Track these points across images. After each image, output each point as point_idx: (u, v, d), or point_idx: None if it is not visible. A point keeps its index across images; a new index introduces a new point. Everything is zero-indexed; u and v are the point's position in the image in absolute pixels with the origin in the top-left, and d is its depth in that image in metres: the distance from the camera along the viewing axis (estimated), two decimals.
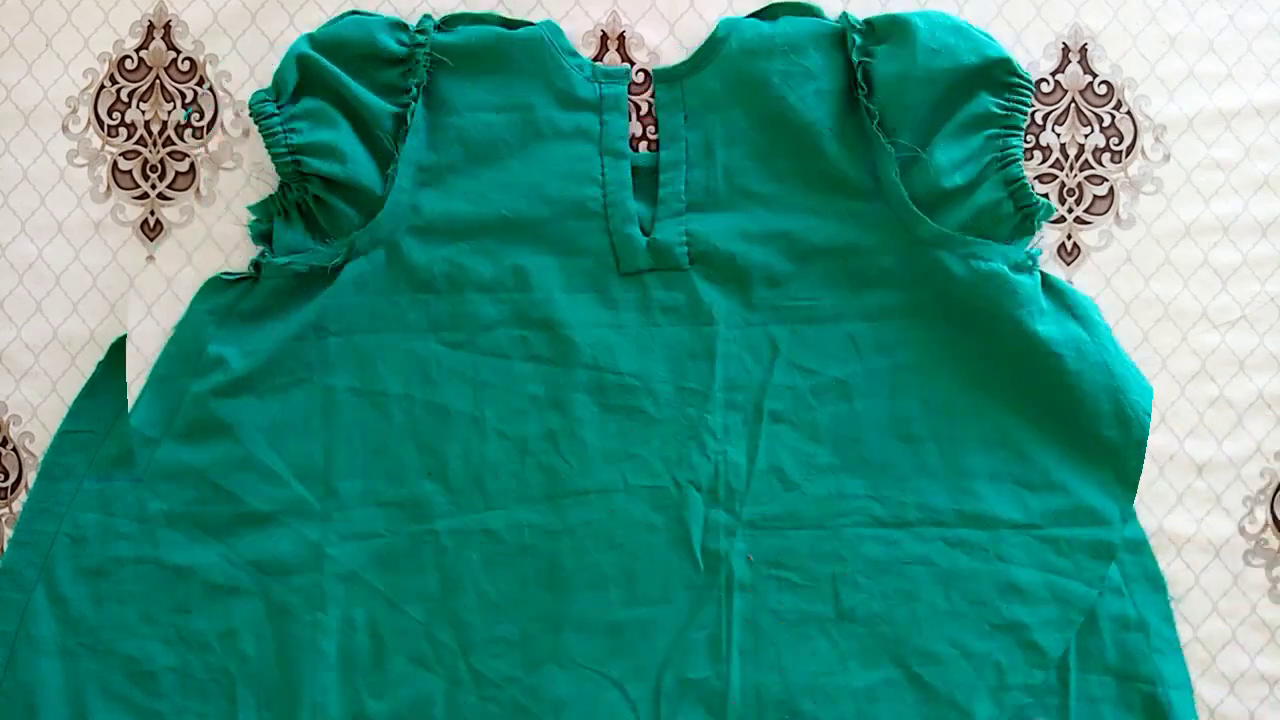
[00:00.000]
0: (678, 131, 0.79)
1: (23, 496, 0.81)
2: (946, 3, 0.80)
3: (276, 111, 0.77)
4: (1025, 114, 0.76)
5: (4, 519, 0.81)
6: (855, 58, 0.77)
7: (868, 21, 0.77)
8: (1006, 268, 0.76)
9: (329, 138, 0.77)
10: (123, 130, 0.82)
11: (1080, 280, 0.79)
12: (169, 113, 0.82)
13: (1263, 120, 0.80)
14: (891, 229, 0.78)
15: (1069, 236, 0.79)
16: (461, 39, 0.78)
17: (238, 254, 0.81)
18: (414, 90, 0.77)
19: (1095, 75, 0.80)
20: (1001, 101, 0.76)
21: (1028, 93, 0.76)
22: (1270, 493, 0.79)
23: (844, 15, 0.77)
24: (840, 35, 0.77)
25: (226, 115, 0.82)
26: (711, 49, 0.79)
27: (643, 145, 0.80)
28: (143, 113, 0.82)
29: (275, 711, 0.77)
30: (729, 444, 0.78)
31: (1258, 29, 0.80)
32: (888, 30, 0.77)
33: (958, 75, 0.76)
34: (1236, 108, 0.80)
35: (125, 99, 0.82)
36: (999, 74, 0.76)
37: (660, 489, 0.77)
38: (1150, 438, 0.77)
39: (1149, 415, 0.76)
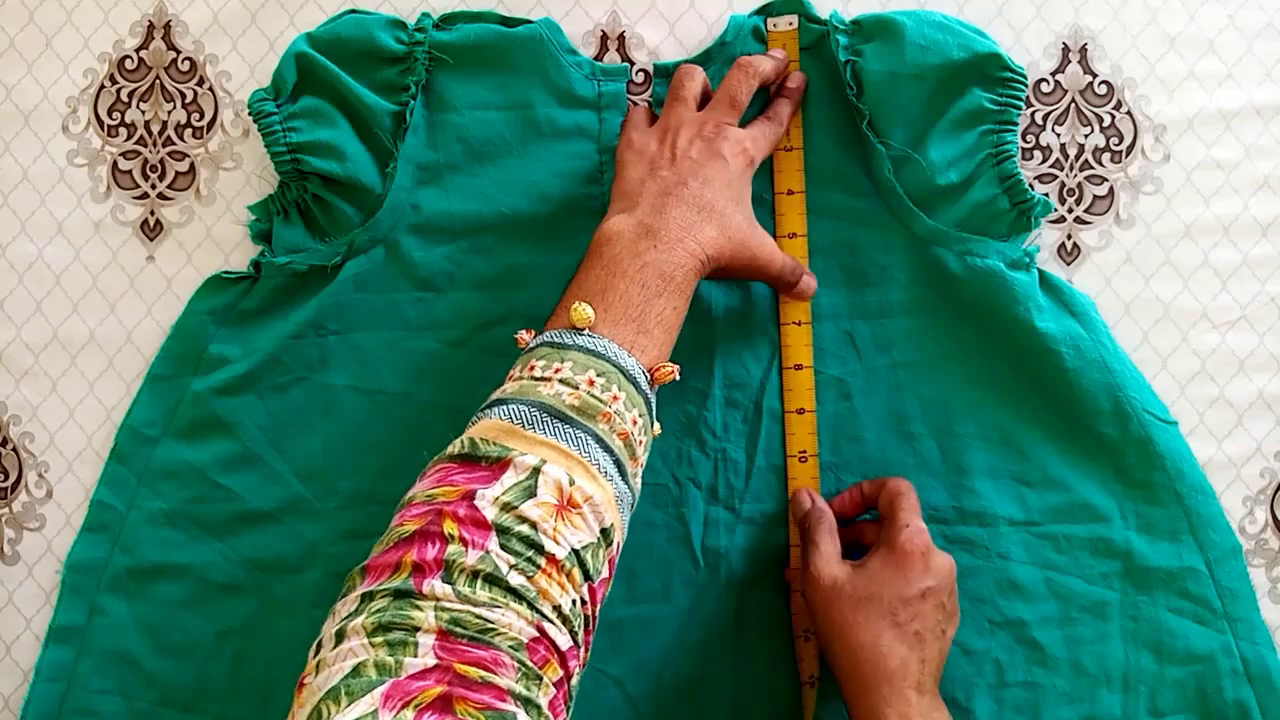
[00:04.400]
0: None
1: (23, 496, 0.81)
2: (946, 3, 0.79)
3: (275, 110, 0.77)
4: (1019, 109, 0.76)
5: (3, 519, 0.81)
6: (842, 57, 0.77)
7: (855, 21, 0.77)
8: (1003, 265, 0.76)
9: (328, 136, 0.77)
10: (123, 130, 0.82)
11: (1080, 280, 0.79)
12: (169, 113, 0.82)
13: (1263, 120, 0.80)
14: (888, 227, 0.78)
15: (1069, 236, 0.79)
16: (460, 37, 0.78)
17: (238, 254, 0.81)
18: (413, 88, 0.77)
19: (1095, 75, 0.80)
20: (994, 97, 0.76)
21: (1021, 87, 0.76)
22: (1270, 493, 0.79)
23: (832, 15, 0.77)
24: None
25: (226, 115, 0.82)
26: (718, 50, 0.79)
27: None
28: (143, 113, 0.82)
29: (275, 710, 0.77)
30: (728, 441, 0.78)
31: (1258, 29, 0.80)
32: (875, 29, 0.77)
33: (948, 71, 0.76)
34: (1236, 108, 0.80)
35: (125, 99, 0.82)
36: (991, 69, 0.76)
37: (660, 486, 0.77)
38: None
39: (1149, 413, 0.76)
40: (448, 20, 0.79)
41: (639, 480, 0.61)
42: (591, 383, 0.58)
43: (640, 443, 0.61)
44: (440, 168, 0.78)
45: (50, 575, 0.80)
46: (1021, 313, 0.75)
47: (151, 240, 0.81)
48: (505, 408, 0.58)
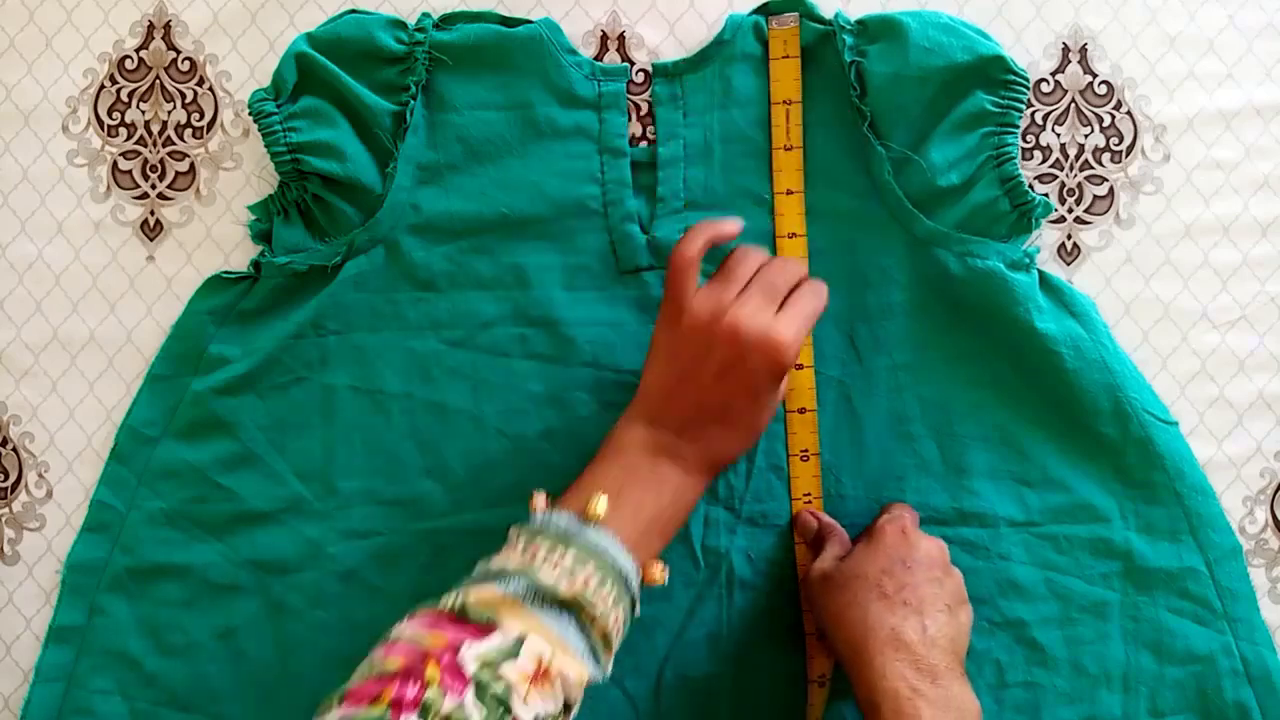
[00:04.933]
0: (675, 129, 0.79)
1: (23, 496, 0.81)
2: (946, 3, 0.79)
3: (275, 110, 0.77)
4: (1020, 111, 0.76)
5: (3, 519, 0.81)
6: (847, 58, 0.77)
7: (860, 21, 0.77)
8: (1003, 266, 0.76)
9: (328, 136, 0.76)
10: (123, 130, 0.82)
11: (1080, 280, 0.79)
12: (169, 113, 0.82)
13: (1263, 120, 0.80)
14: (889, 228, 0.77)
15: (1069, 236, 0.79)
16: (460, 37, 0.78)
17: (238, 254, 0.81)
18: (413, 88, 0.77)
19: (1095, 75, 0.80)
20: (997, 99, 0.76)
21: (1023, 90, 0.76)
22: (1270, 493, 0.79)
23: (837, 15, 0.77)
24: (833, 35, 0.78)
25: (226, 115, 0.82)
26: (716, 49, 0.79)
27: (643, 145, 0.80)
28: (143, 113, 0.82)
29: (275, 710, 0.77)
30: None
31: (1258, 29, 0.80)
32: (880, 30, 0.77)
33: (951, 73, 0.76)
34: (1236, 108, 0.80)
35: (125, 99, 0.82)
36: (994, 71, 0.76)
37: None
38: None
39: (1149, 413, 0.76)
40: (448, 20, 0.79)
41: (610, 665, 0.64)
42: (587, 581, 0.61)
43: (616, 637, 0.64)
44: (440, 168, 0.78)
45: (50, 575, 0.80)
46: (1022, 314, 0.75)
47: (151, 240, 0.81)
48: (505, 583, 0.61)
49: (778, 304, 0.68)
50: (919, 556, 0.69)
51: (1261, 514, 0.79)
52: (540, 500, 0.65)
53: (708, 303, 0.67)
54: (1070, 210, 0.80)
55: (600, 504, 0.64)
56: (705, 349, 0.67)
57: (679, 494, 0.67)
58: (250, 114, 0.77)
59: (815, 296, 0.69)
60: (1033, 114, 0.80)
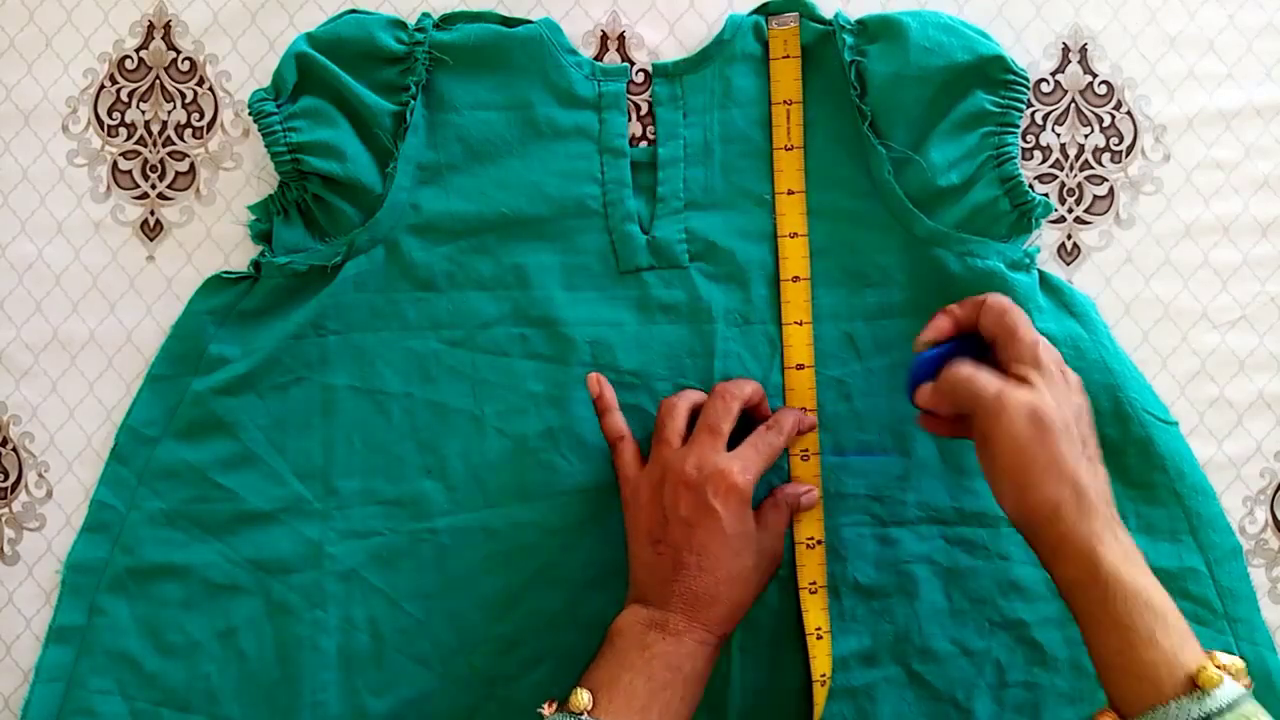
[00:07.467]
0: (675, 129, 0.79)
1: (23, 496, 0.81)
2: (946, 3, 0.80)
3: (275, 110, 0.77)
4: (1021, 111, 0.76)
5: (3, 519, 0.81)
6: (847, 57, 0.77)
7: (860, 21, 0.77)
8: (1004, 266, 0.76)
9: (328, 136, 0.77)
10: (123, 130, 0.82)
11: (1080, 280, 0.79)
12: (169, 113, 0.82)
13: (1263, 120, 0.80)
14: (889, 228, 0.78)
15: (1069, 236, 0.79)
16: (460, 37, 0.78)
17: (238, 254, 0.81)
18: (413, 88, 0.77)
19: (1095, 75, 0.80)
20: (997, 99, 0.76)
21: (1023, 90, 0.76)
22: (1270, 493, 0.79)
23: (837, 15, 0.77)
24: (833, 35, 0.78)
25: (226, 115, 0.82)
26: (716, 49, 0.79)
27: (643, 145, 0.80)
28: (143, 113, 0.82)
29: (275, 710, 0.77)
30: None
31: (1258, 29, 0.80)
32: (880, 29, 0.77)
33: (951, 73, 0.76)
34: (1236, 108, 0.80)
35: (125, 99, 0.82)
36: (994, 71, 0.76)
37: None
38: None
39: (1149, 413, 0.76)
40: (448, 20, 0.79)
41: None
42: None
43: None
44: (440, 168, 0.78)
45: (50, 575, 0.80)
46: None
47: (151, 240, 0.81)
48: None
49: (722, 438, 0.70)
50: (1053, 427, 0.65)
51: (1261, 514, 0.79)
52: (546, 709, 0.66)
53: (655, 469, 0.71)
54: (1070, 210, 0.80)
55: (582, 697, 0.64)
56: (671, 507, 0.69)
57: (674, 664, 0.66)
58: (250, 114, 0.77)
59: (776, 433, 0.72)
60: (1033, 114, 0.80)
